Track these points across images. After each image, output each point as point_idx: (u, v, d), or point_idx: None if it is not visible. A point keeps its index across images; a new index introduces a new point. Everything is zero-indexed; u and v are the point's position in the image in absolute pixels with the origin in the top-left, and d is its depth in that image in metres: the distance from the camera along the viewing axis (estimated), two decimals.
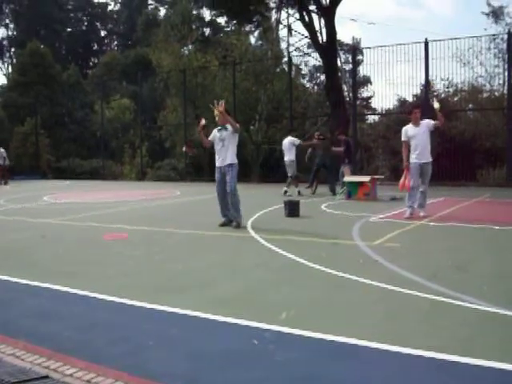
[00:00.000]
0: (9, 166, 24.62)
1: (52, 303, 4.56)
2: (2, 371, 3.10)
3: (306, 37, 28.65)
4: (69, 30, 55.79)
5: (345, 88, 26.92)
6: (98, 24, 58.85)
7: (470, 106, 21.55)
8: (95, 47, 58.28)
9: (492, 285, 4.79)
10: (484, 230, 7.89)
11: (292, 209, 9.77)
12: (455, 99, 21.94)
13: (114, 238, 7.78)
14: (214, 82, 25.87)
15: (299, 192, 14.35)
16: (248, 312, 4.08)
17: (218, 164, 8.71)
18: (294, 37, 41.96)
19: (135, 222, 9.50)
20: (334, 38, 21.66)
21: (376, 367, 3.10)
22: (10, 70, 50.45)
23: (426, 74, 18.01)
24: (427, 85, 18.58)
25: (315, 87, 34.27)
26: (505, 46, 19.27)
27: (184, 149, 9.60)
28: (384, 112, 21.77)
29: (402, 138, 9.47)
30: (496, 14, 28.45)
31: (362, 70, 29.94)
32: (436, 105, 9.38)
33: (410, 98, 21.52)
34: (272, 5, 28.18)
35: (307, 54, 31.98)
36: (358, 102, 25.40)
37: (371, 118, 26.49)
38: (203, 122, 8.99)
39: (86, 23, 58.12)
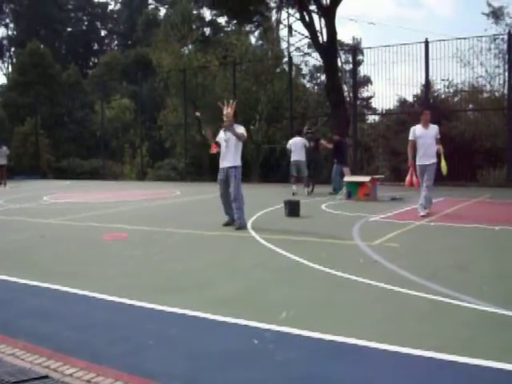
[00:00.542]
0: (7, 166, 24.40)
1: (52, 303, 4.56)
2: (2, 371, 3.10)
3: (307, 37, 28.70)
4: (69, 29, 55.78)
5: (345, 88, 26.91)
6: (98, 24, 58.85)
7: (471, 106, 21.55)
8: (95, 47, 58.27)
9: (492, 285, 4.79)
10: (484, 230, 7.89)
11: (292, 209, 9.77)
12: (455, 99, 21.95)
13: (113, 238, 7.78)
14: (214, 81, 25.85)
15: (293, 193, 14.25)
16: (248, 312, 4.08)
17: (221, 165, 8.69)
18: (294, 37, 41.87)
19: (135, 221, 9.50)
20: (335, 38, 21.65)
21: (375, 367, 3.11)
22: (9, 69, 50.46)
23: (427, 74, 18.00)
24: (427, 85, 18.57)
25: (315, 87, 34.27)
26: (505, 46, 19.25)
27: (213, 150, 9.51)
28: (384, 112, 21.77)
29: (410, 137, 9.64)
30: (496, 14, 28.40)
31: (363, 70, 29.93)
32: (440, 150, 9.48)
33: (410, 98, 21.54)
34: (272, 5, 28.22)
35: (307, 53, 32.00)
36: (358, 102, 25.40)
37: (371, 118, 26.51)
38: (198, 114, 9.03)
39: (86, 23, 58.12)
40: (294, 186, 14.41)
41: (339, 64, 27.54)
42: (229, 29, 36.97)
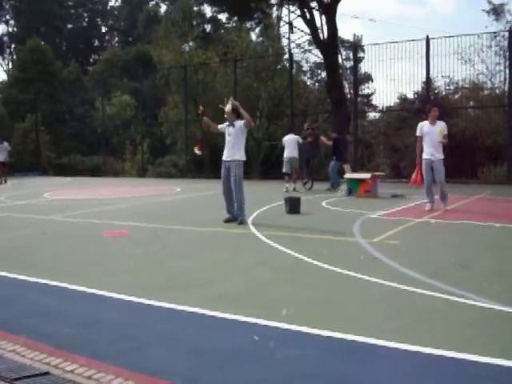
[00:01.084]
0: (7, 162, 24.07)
1: (52, 300, 4.55)
2: (3, 367, 3.10)
3: (307, 34, 28.60)
4: (69, 26, 55.73)
5: (346, 85, 26.86)
6: (98, 20, 58.78)
7: (471, 103, 21.52)
8: (96, 44, 58.20)
9: (493, 282, 4.78)
10: (485, 227, 7.88)
11: (293, 205, 9.76)
12: (456, 97, 21.91)
13: (114, 235, 7.78)
14: (215, 78, 25.83)
15: (294, 188, 14.65)
16: (249, 309, 4.07)
17: (224, 157, 8.78)
18: (295, 34, 41.82)
19: (136, 218, 9.50)
20: (335, 34, 21.61)
21: (376, 364, 3.10)
22: (10, 66, 50.41)
23: (427, 71, 17.99)
24: (428, 82, 18.54)
25: (316, 84, 34.22)
26: (506, 43, 19.23)
27: (196, 150, 9.55)
28: (385, 109, 21.75)
29: (417, 133, 9.75)
30: (497, 11, 28.37)
31: (363, 67, 29.89)
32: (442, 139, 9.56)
33: (410, 96, 21.49)
34: (273, 1, 28.15)
35: (308, 50, 31.92)
36: (358, 99, 25.41)
37: (372, 115, 26.50)
38: (201, 108, 9.12)
39: (86, 19, 58.05)
40: (287, 184, 14.70)
41: (340, 61, 27.49)
42: (229, 25, 36.92)
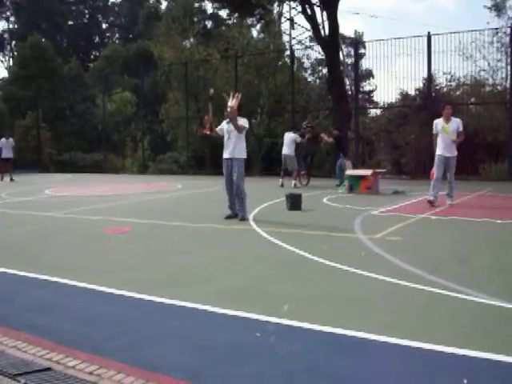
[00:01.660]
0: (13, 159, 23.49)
1: (54, 296, 4.56)
2: (5, 363, 3.11)
3: (308, 30, 28.58)
4: (70, 22, 55.63)
5: (347, 81, 26.78)
6: (99, 17, 58.71)
7: (473, 100, 21.48)
8: (96, 40, 58.13)
9: (493, 278, 4.79)
10: (486, 223, 7.88)
11: (294, 202, 9.76)
12: (457, 93, 21.86)
13: (115, 232, 7.79)
14: (216, 75, 25.78)
15: (295, 185, 14.90)
16: (250, 305, 4.08)
17: (224, 155, 8.72)
18: (296, 30, 41.80)
19: (137, 215, 9.50)
20: (337, 31, 21.57)
21: (377, 359, 3.11)
22: (10, 63, 50.38)
23: (429, 67, 17.95)
24: (429, 78, 18.51)
25: (317, 80, 34.16)
26: (507, 39, 19.18)
27: (205, 131, 9.41)
28: (386, 105, 21.71)
29: (433, 131, 10.08)
30: (498, 7, 28.31)
31: (364, 64, 29.84)
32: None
33: (412, 92, 21.46)
34: None
35: (309, 47, 31.86)
36: (360, 96, 25.36)
37: (373, 112, 26.43)
38: (212, 91, 9.06)
39: (87, 16, 57.96)
40: (281, 180, 15.11)
41: (341, 57, 27.45)
42: (230, 22, 36.84)
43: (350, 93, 24.32)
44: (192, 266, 5.53)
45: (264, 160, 24.92)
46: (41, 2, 48.97)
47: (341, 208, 10.09)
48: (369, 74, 33.37)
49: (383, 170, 16.41)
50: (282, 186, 14.92)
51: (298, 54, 29.81)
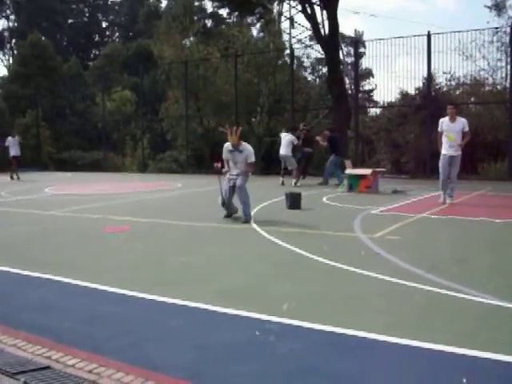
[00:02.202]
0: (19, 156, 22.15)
1: (53, 295, 4.56)
2: (4, 362, 3.11)
3: (308, 29, 28.58)
4: (70, 21, 55.56)
5: (347, 81, 26.78)
6: (99, 15, 58.64)
7: (473, 99, 21.46)
8: (96, 39, 58.06)
9: (493, 277, 4.79)
10: (485, 223, 7.88)
11: (293, 201, 9.76)
12: (457, 93, 21.85)
13: (115, 231, 7.79)
14: (216, 74, 25.76)
15: (295, 183, 15.12)
16: (249, 304, 4.08)
17: (232, 172, 8.63)
18: (296, 29, 41.80)
19: (136, 214, 9.50)
20: (337, 30, 21.54)
21: (376, 358, 3.11)
22: (10, 61, 50.34)
23: (429, 67, 17.93)
24: (429, 78, 18.50)
25: (317, 80, 34.15)
26: (507, 39, 19.17)
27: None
28: (386, 105, 21.71)
29: (438, 129, 10.23)
30: (499, 7, 28.29)
31: (364, 63, 29.84)
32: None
33: (412, 91, 21.46)
34: None
35: (309, 46, 31.83)
36: (359, 95, 25.35)
37: (373, 111, 26.42)
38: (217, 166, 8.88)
39: (87, 14, 57.90)
40: (281, 178, 15.47)
41: (341, 57, 27.45)
42: (230, 21, 36.86)
43: (349, 92, 24.31)
44: (192, 265, 5.53)
45: (264, 159, 24.90)
46: (41, 0, 48.92)
47: (340, 207, 10.09)
48: (369, 74, 33.36)
49: (383, 170, 16.40)
50: (283, 184, 15.11)
51: (297, 53, 29.80)
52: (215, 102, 25.04)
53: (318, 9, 23.35)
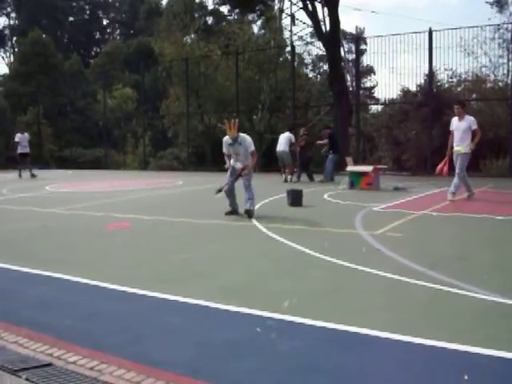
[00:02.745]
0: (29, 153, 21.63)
1: (54, 292, 4.57)
2: (5, 359, 3.11)
3: (309, 26, 28.52)
4: (71, 18, 55.59)
5: (348, 78, 26.76)
6: (100, 13, 58.62)
7: (474, 96, 21.43)
8: (97, 36, 58.07)
9: (494, 274, 4.79)
10: (486, 220, 7.88)
11: (295, 198, 9.76)
12: (459, 89, 21.81)
13: (116, 228, 7.79)
14: (217, 71, 25.77)
15: (290, 179, 15.53)
16: (250, 301, 4.08)
17: (233, 164, 8.66)
18: (297, 26, 41.74)
19: (138, 211, 9.50)
20: (338, 27, 21.54)
21: (378, 355, 3.11)
22: (11, 59, 50.34)
23: (430, 63, 17.91)
24: (431, 75, 18.47)
25: (318, 77, 34.14)
26: (509, 35, 19.15)
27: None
28: (387, 102, 21.68)
29: (450, 128, 10.37)
30: (500, 3, 28.24)
31: (366, 60, 29.84)
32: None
33: (413, 88, 21.43)
34: None
35: (310, 43, 31.83)
36: (361, 92, 25.32)
37: (374, 108, 26.41)
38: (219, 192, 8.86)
39: (88, 12, 57.89)
40: (283, 175, 15.78)
41: (342, 53, 27.40)
42: (231, 18, 36.80)
43: (350, 89, 24.28)
44: (193, 262, 5.53)
45: (265, 156, 24.91)
46: None
47: (342, 204, 10.08)
48: (370, 70, 33.36)
49: (384, 167, 16.39)
50: (286, 181, 15.32)
51: (298, 50, 29.74)
52: (216, 100, 25.06)
53: (319, 6, 23.34)
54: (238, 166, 8.58)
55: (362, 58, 28.22)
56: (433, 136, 17.80)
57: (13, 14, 54.28)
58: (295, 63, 23.57)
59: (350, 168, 13.54)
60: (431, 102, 18.05)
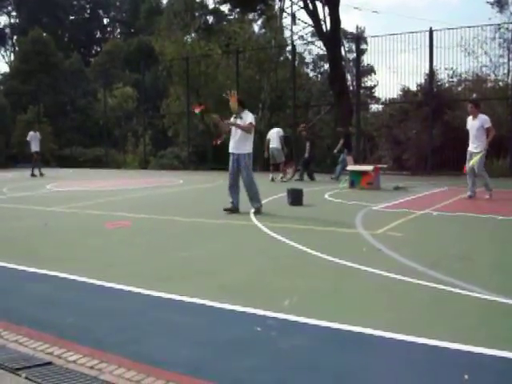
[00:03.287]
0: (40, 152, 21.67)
1: (55, 290, 4.56)
2: (6, 357, 3.10)
3: (310, 25, 28.50)
4: (71, 17, 55.51)
5: (348, 77, 26.75)
6: (100, 12, 58.54)
7: (474, 95, 21.42)
8: (98, 35, 57.99)
9: (496, 274, 4.78)
10: (487, 219, 7.87)
11: (295, 197, 9.76)
12: (459, 89, 21.81)
13: (116, 226, 7.78)
14: (217, 70, 25.76)
15: (281, 178, 15.66)
16: (251, 300, 4.07)
17: (231, 149, 8.77)
18: (297, 25, 41.71)
19: (138, 210, 9.50)
20: (338, 26, 21.55)
21: (379, 355, 3.10)
22: (12, 57, 50.32)
23: (430, 63, 17.92)
24: (432, 74, 18.46)
25: (319, 76, 34.13)
26: (509, 35, 19.15)
27: (196, 110, 9.58)
28: (387, 101, 21.67)
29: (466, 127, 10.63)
30: (501, 3, 28.21)
31: (366, 59, 29.77)
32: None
33: (413, 88, 21.42)
34: None
35: (311, 42, 31.80)
36: (361, 92, 25.30)
37: (374, 108, 26.40)
38: (197, 109, 9.11)
39: (88, 11, 57.82)
40: (271, 174, 15.71)
41: (342, 53, 27.40)
42: (232, 17, 36.75)
43: (351, 88, 24.29)
44: (193, 261, 5.52)
45: None
46: None
47: (342, 203, 10.08)
48: (370, 70, 33.28)
49: (384, 166, 16.40)
50: (273, 180, 15.42)
51: (299, 49, 29.77)
52: (216, 99, 25.02)
53: (319, 5, 23.33)
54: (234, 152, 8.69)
55: (363, 57, 28.17)
56: (433, 135, 17.80)
57: (13, 13, 54.25)
58: (296, 62, 23.57)
59: (351, 167, 13.54)
60: (431, 102, 18.05)
